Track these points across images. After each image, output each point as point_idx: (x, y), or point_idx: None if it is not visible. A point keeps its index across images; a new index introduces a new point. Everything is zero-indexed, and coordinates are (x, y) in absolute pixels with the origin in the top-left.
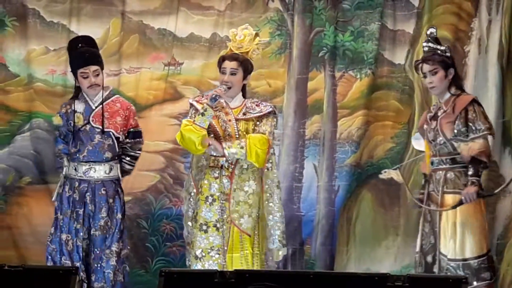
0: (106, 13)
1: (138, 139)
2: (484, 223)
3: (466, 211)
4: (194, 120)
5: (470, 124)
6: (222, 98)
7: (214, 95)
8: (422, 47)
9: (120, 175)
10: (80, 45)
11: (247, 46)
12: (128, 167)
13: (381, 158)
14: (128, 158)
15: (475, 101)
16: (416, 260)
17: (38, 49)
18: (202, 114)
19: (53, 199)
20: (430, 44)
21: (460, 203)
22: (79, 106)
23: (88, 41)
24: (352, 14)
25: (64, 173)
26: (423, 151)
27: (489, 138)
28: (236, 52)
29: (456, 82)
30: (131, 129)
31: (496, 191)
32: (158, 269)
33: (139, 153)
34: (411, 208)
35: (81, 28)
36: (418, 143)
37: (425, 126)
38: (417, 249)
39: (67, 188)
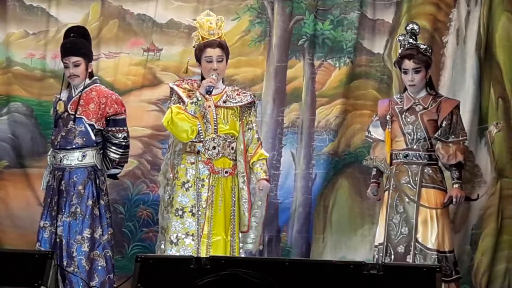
0: None
1: (119, 128)
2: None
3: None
4: (186, 108)
5: (453, 127)
6: (216, 88)
7: (209, 87)
8: (398, 40)
9: (104, 164)
10: (72, 35)
11: (219, 31)
12: (113, 155)
13: (358, 147)
14: (113, 147)
15: (458, 107)
16: (380, 250)
17: (17, 32)
18: (195, 103)
19: (42, 188)
20: (412, 40)
21: (450, 202)
22: (63, 95)
23: (79, 31)
24: (332, 3)
25: (49, 162)
26: (380, 140)
27: (466, 142)
28: (210, 38)
29: (430, 82)
30: (111, 117)
31: (481, 196)
32: (134, 254)
33: (124, 142)
34: (373, 200)
35: (60, 12)
36: (376, 131)
37: (387, 116)
38: (381, 240)
39: (50, 176)
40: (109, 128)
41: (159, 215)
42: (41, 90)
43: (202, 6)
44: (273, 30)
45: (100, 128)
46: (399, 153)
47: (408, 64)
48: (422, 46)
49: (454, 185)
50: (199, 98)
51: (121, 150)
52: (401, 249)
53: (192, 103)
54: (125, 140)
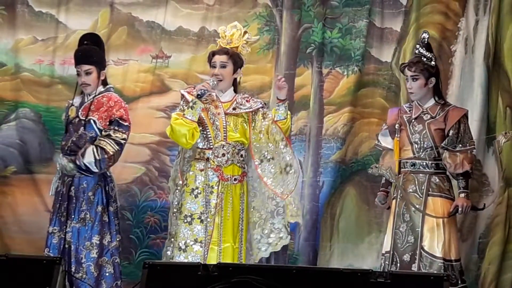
0: (95, 4)
1: (121, 129)
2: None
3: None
4: (184, 114)
5: (460, 136)
6: (209, 92)
7: (201, 90)
8: (410, 47)
9: (95, 151)
10: (85, 42)
11: (237, 41)
12: (109, 147)
13: (366, 155)
14: (110, 141)
15: (466, 116)
16: (386, 258)
17: (26, 38)
18: (192, 108)
19: (50, 193)
20: (420, 50)
21: (456, 211)
22: (76, 100)
23: (92, 38)
24: (340, 11)
25: (58, 167)
26: (389, 148)
27: (474, 152)
28: (226, 46)
29: (439, 91)
30: (116, 119)
31: (487, 206)
32: (141, 261)
33: (122, 141)
34: (383, 208)
35: (69, 19)
36: (385, 140)
37: (396, 125)
38: (388, 248)
39: (59, 182)
40: (110, 127)
41: (169, 220)
42: (49, 96)
43: (211, 13)
44: (282, 38)
45: (101, 127)
46: (407, 162)
47: (407, 72)
48: (426, 55)
49: (460, 194)
50: (195, 102)
51: (116, 147)
52: (406, 257)
53: (188, 107)
54: (123, 141)
